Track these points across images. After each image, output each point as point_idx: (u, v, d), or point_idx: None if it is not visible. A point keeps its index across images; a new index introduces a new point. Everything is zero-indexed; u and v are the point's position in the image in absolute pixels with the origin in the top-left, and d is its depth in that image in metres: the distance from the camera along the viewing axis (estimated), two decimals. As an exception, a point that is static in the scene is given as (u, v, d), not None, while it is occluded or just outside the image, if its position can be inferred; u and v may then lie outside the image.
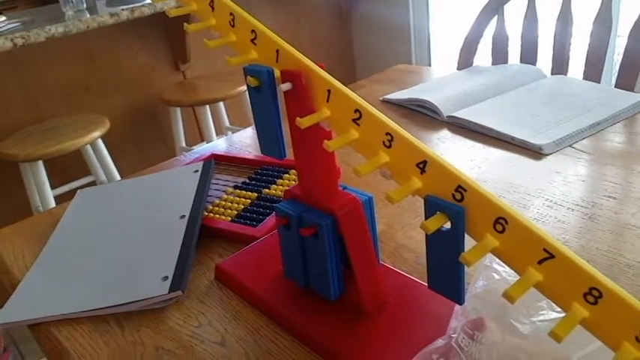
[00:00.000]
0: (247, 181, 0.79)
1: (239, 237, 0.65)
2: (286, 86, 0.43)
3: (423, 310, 0.49)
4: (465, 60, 1.32)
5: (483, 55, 1.34)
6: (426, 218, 0.36)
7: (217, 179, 0.81)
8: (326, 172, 0.47)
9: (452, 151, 0.84)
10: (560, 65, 1.22)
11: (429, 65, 2.88)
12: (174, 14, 0.50)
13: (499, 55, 1.31)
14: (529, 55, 1.27)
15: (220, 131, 2.30)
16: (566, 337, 0.29)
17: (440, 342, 0.42)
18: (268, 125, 0.47)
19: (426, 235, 0.38)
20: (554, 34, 1.23)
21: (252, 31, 0.47)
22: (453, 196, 0.35)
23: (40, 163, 1.78)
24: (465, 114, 0.93)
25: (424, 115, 0.99)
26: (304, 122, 0.41)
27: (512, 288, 0.31)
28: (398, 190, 0.37)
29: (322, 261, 0.48)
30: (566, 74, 1.23)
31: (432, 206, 0.36)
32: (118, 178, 2.03)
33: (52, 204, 1.84)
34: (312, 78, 0.42)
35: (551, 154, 0.78)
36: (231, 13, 0.48)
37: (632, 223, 0.59)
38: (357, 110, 0.40)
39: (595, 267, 0.53)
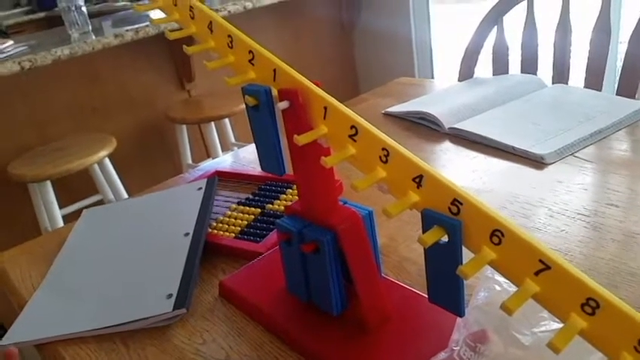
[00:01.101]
0: (251, 197, 0.80)
1: (243, 253, 0.65)
2: (284, 105, 0.44)
3: (425, 322, 0.49)
4: (466, 71, 1.33)
5: (484, 66, 1.34)
6: (424, 232, 0.37)
7: (221, 196, 0.82)
8: (325, 187, 0.48)
9: (454, 163, 0.84)
10: (560, 74, 1.22)
11: (432, 77, 2.89)
12: (173, 37, 0.51)
13: (500, 66, 1.31)
14: (530, 65, 1.28)
15: (226, 147, 2.32)
16: (565, 348, 0.29)
17: (442, 355, 0.42)
18: (267, 143, 0.47)
19: (425, 248, 0.38)
20: (554, 43, 1.24)
21: (250, 51, 0.48)
22: (450, 209, 0.36)
23: (49, 183, 1.80)
24: (467, 125, 0.94)
25: (426, 127, 0.99)
26: (301, 140, 0.42)
27: (509, 300, 0.31)
28: (395, 205, 0.37)
29: (324, 276, 0.48)
30: (567, 83, 1.24)
31: (429, 220, 0.37)
32: (126, 196, 2.04)
33: (61, 224, 1.85)
34: (309, 96, 0.43)
35: (552, 163, 0.78)
36: (229, 35, 0.49)
37: (636, 232, 0.59)
38: (353, 126, 0.40)
39: (598, 276, 0.53)
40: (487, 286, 0.44)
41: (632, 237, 0.58)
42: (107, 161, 1.93)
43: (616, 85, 1.14)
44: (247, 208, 0.76)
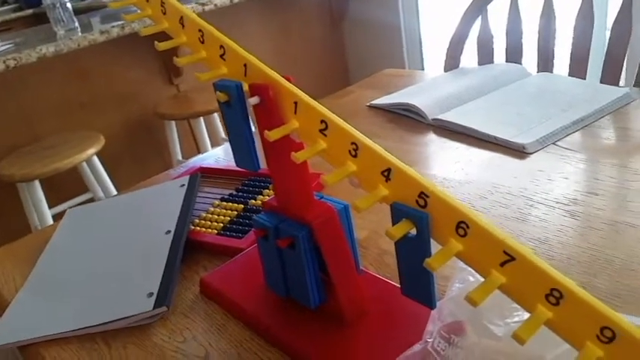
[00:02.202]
0: (234, 192, 0.79)
1: (225, 250, 0.65)
2: (254, 100, 0.44)
3: (402, 315, 0.49)
4: (452, 61, 1.32)
5: (470, 56, 1.34)
6: (393, 225, 0.37)
7: (204, 192, 0.81)
8: (300, 182, 0.47)
9: (437, 154, 0.84)
10: (545, 62, 1.22)
11: (422, 67, 2.89)
12: (145, 33, 0.51)
13: (485, 55, 1.31)
14: (514, 54, 1.27)
15: (216, 142, 2.31)
16: (530, 339, 0.29)
17: (417, 347, 0.42)
18: (240, 138, 0.47)
19: (395, 242, 0.38)
20: (539, 31, 1.23)
21: (221, 46, 0.47)
22: (417, 202, 0.36)
23: (37, 182, 1.79)
24: (450, 116, 0.93)
25: (410, 118, 0.99)
26: (272, 135, 0.41)
27: (474, 291, 0.31)
28: (364, 199, 0.37)
29: (300, 271, 0.48)
30: (552, 71, 1.24)
31: (397, 213, 0.37)
32: (114, 193, 2.04)
33: (51, 223, 1.85)
34: (280, 91, 0.43)
35: (534, 152, 0.78)
36: (200, 30, 0.49)
37: (616, 220, 0.59)
38: (323, 121, 0.40)
39: (576, 265, 0.53)
40: (462, 277, 0.44)
41: (612, 225, 0.59)
42: (95, 159, 1.92)
43: (600, 73, 1.14)
44: (230, 204, 0.76)
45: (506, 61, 1.28)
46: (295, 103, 0.42)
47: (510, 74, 1.09)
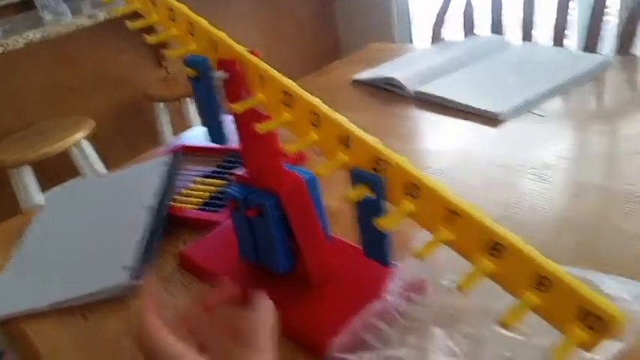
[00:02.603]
0: (215, 169, 0.81)
1: (204, 223, 0.67)
2: (221, 74, 0.45)
3: (368, 277, 0.51)
4: (438, 35, 1.33)
5: (455, 29, 1.34)
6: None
7: (187, 169, 0.83)
8: (269, 153, 0.49)
9: (418, 126, 0.86)
10: (528, 32, 1.23)
11: (411, 41, 2.88)
12: (117, 13, 0.52)
13: (469, 28, 1.31)
14: (498, 26, 1.28)
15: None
16: (470, 289, 0.31)
17: (376, 304, 0.44)
18: (210, 113, 0.49)
19: (356, 207, 0.40)
20: (523, 2, 1.24)
21: (190, 23, 0.48)
22: (375, 168, 0.37)
23: (29, 168, 1.80)
24: (430, 88, 0.95)
25: (393, 92, 1.00)
26: (237, 107, 0.43)
27: (422, 248, 0.33)
28: (325, 165, 0.39)
29: (270, 239, 0.50)
30: (533, 41, 1.24)
31: (355, 178, 0.38)
32: (108, 176, 2.05)
33: (44, 207, 1.86)
34: (246, 65, 0.44)
35: (510, 120, 0.79)
36: (170, 8, 0.50)
37: (582, 181, 0.61)
38: (286, 93, 0.42)
39: (542, 225, 0.55)
40: (422, 237, 0.46)
41: (579, 187, 0.60)
42: (86, 143, 1.93)
43: (582, 42, 1.15)
44: (211, 180, 0.77)
45: (491, 33, 1.29)
46: (261, 76, 0.43)
47: (492, 45, 1.10)
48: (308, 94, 0.42)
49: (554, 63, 0.96)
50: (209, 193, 0.73)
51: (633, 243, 0.51)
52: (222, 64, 0.45)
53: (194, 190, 0.75)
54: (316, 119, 0.40)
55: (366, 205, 0.39)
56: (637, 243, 0.51)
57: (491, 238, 0.32)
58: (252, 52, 0.45)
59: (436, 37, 1.33)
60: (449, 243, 0.34)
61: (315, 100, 0.41)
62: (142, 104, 2.38)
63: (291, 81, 0.43)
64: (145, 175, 0.77)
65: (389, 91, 1.01)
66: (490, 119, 0.81)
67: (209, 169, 0.81)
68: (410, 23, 2.82)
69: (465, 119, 0.83)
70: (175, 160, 0.79)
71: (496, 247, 0.32)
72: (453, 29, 1.33)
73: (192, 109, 2.17)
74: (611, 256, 0.50)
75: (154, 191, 0.71)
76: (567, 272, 0.43)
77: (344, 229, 0.61)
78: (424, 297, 0.44)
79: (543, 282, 0.30)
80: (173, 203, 0.72)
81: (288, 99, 0.42)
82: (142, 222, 0.65)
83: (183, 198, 0.74)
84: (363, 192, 0.37)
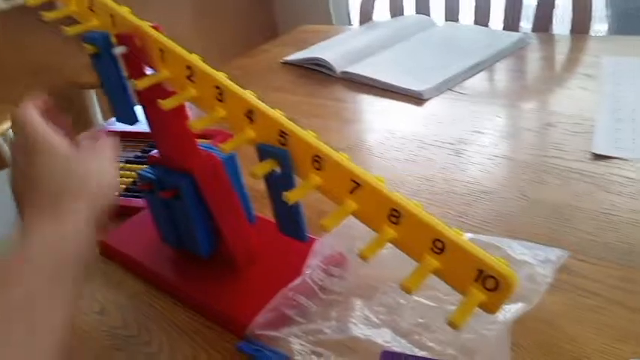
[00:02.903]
0: (139, 154, 0.78)
1: (126, 210, 0.65)
2: (121, 49, 0.43)
3: (293, 256, 0.51)
4: (367, 15, 1.33)
5: (384, 10, 1.35)
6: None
7: (109, 156, 0.80)
8: (180, 133, 0.48)
9: (345, 106, 0.86)
10: (451, 12, 1.25)
11: (349, 22, 2.89)
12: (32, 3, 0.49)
13: (396, 8, 1.33)
14: (424, 6, 1.30)
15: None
16: (372, 257, 0.32)
17: (297, 281, 0.44)
18: (116, 92, 0.47)
19: (266, 183, 0.40)
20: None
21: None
22: (279, 141, 0.37)
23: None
24: (357, 68, 0.95)
25: (321, 73, 1.00)
26: (140, 84, 0.41)
27: (328, 219, 0.33)
28: (232, 141, 0.38)
29: (188, 221, 0.49)
30: (457, 20, 1.27)
31: (262, 153, 0.38)
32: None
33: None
34: (146, 39, 0.42)
35: (431, 98, 0.81)
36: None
37: (494, 154, 0.63)
38: (188, 67, 0.40)
39: (454, 196, 0.57)
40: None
41: (490, 159, 0.62)
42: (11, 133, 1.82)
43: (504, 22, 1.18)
44: (134, 165, 0.75)
45: (416, 13, 1.30)
46: (161, 50, 0.42)
47: (417, 25, 1.12)
48: (211, 68, 0.41)
49: (475, 41, 0.99)
50: (132, 179, 0.71)
51: (538, 209, 0.53)
52: (122, 39, 0.43)
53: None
54: (221, 94, 0.39)
55: (276, 181, 0.38)
56: (541, 209, 0.53)
57: (390, 206, 0.32)
58: (154, 27, 0.44)
59: (365, 18, 1.33)
60: (354, 213, 0.34)
61: (219, 75, 0.40)
62: (71, 91, 2.27)
63: (195, 55, 0.41)
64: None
65: (318, 72, 1.01)
66: (414, 98, 0.82)
67: (132, 154, 0.79)
68: (348, 5, 2.82)
69: (391, 98, 0.84)
70: (94, 146, 0.76)
71: (394, 214, 0.32)
72: (381, 10, 1.34)
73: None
74: (519, 222, 0.52)
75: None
76: (476, 239, 0.44)
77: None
78: (344, 270, 0.45)
79: (438, 245, 0.31)
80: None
81: (192, 74, 0.41)
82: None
83: (102, 185, 0.71)
84: (269, 167, 0.37)
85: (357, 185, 0.33)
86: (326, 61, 0.99)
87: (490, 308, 0.30)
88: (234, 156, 0.51)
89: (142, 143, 0.82)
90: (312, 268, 0.44)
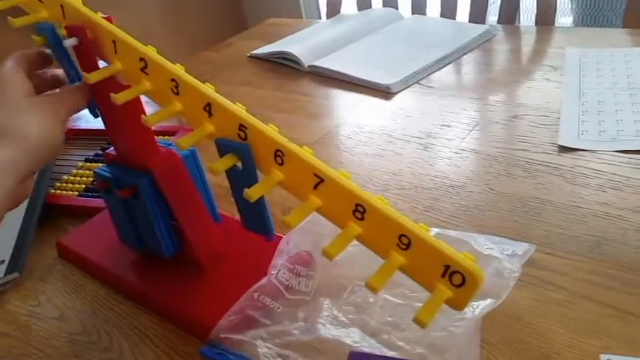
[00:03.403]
0: (99, 152, 0.75)
1: (85, 211, 0.62)
2: (71, 41, 0.41)
3: (259, 255, 0.49)
4: (334, 8, 1.32)
5: (351, 3, 1.34)
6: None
7: (68, 154, 0.77)
8: (136, 129, 0.45)
9: (312, 100, 0.85)
10: (418, 5, 1.25)
11: (319, 15, 2.87)
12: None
13: (363, 2, 1.32)
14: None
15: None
16: (337, 255, 0.31)
17: (263, 281, 0.43)
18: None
19: (228, 178, 0.38)
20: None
21: (38, -13, 0.43)
22: (239, 135, 0.35)
23: None
24: (324, 62, 0.94)
25: (288, 67, 0.99)
26: (92, 77, 0.39)
27: (291, 215, 0.32)
28: (189, 136, 0.36)
29: (149, 221, 0.47)
30: (424, 13, 1.27)
31: (223, 148, 0.36)
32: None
33: None
34: (98, 31, 0.40)
35: (398, 92, 0.80)
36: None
37: (461, 147, 0.63)
38: (142, 59, 0.38)
39: (422, 191, 0.56)
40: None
41: (457, 152, 0.62)
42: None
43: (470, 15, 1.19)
44: (94, 164, 0.72)
45: (383, 6, 1.30)
46: (114, 42, 0.40)
47: (385, 18, 1.11)
48: (166, 60, 0.39)
49: (442, 34, 0.98)
50: (92, 178, 0.68)
51: (505, 202, 0.53)
52: (72, 31, 0.41)
53: (76, 177, 0.70)
54: (177, 87, 0.38)
55: (238, 176, 0.37)
56: (508, 202, 0.53)
57: (354, 201, 0.31)
58: (106, 18, 0.41)
59: (332, 11, 1.32)
60: (318, 209, 0.33)
61: (174, 67, 0.38)
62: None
63: (149, 47, 0.39)
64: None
65: (285, 66, 0.99)
66: (382, 92, 0.81)
67: (92, 152, 0.76)
68: (318, -1, 2.80)
69: (359, 92, 0.83)
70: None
71: (359, 210, 0.31)
72: (349, 3, 1.33)
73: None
74: (487, 216, 0.51)
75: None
76: (443, 234, 0.43)
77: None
78: (311, 269, 0.43)
79: (404, 241, 0.30)
80: (53, 191, 0.67)
81: (146, 66, 0.39)
82: (17, 214, 0.60)
83: (64, 184, 0.68)
84: (230, 162, 0.35)
85: (320, 180, 0.32)
86: (293, 55, 0.97)
87: (457, 304, 0.29)
88: (195, 152, 0.49)
89: (102, 141, 0.80)
90: (278, 268, 0.43)
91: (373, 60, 0.92)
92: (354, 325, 0.41)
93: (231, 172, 0.37)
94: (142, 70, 0.39)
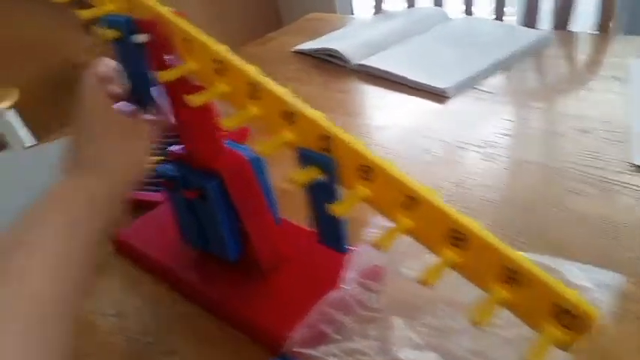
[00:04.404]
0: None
1: (142, 204, 0.61)
2: (143, 37, 0.39)
3: (322, 263, 0.47)
4: (380, 5, 1.29)
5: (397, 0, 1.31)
6: (300, 171, 0.34)
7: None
8: (206, 129, 0.44)
9: (360, 99, 0.83)
10: (469, 5, 1.21)
11: (351, 12, 2.83)
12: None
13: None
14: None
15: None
16: (434, 282, 0.28)
17: (334, 294, 0.41)
18: (136, 81, 0.43)
19: (306, 189, 0.36)
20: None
21: (106, -22, 0.42)
22: (322, 146, 0.33)
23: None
24: (373, 61, 0.91)
25: (334, 64, 0.96)
26: (164, 76, 0.37)
27: (381, 238, 0.30)
28: (268, 143, 0.35)
29: (215, 223, 0.45)
30: (472, 14, 1.23)
31: (304, 159, 0.34)
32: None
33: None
34: (170, 28, 0.38)
35: (454, 96, 0.77)
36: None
37: (526, 159, 0.60)
38: (218, 60, 0.36)
39: (486, 205, 0.53)
40: (378, 222, 0.43)
41: (521, 164, 0.59)
42: (10, 113, 1.78)
43: (521, 17, 1.15)
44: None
45: (431, 5, 1.26)
46: (188, 40, 0.38)
47: (433, 18, 1.08)
48: (244, 62, 0.37)
49: (495, 38, 0.95)
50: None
51: (581, 224, 0.50)
52: (144, 26, 0.39)
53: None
54: (254, 91, 0.36)
55: (318, 188, 0.35)
56: (584, 224, 0.50)
57: (452, 227, 0.29)
58: (178, 14, 0.40)
59: (378, 8, 1.29)
60: (409, 232, 0.30)
61: (252, 70, 0.36)
62: (69, 72, 2.20)
63: (224, 47, 0.37)
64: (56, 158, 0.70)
65: (330, 63, 0.97)
66: (435, 95, 0.78)
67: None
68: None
69: (409, 94, 0.81)
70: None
71: (458, 237, 0.29)
72: (394, 1, 1.30)
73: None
74: (563, 239, 0.48)
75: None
76: (531, 261, 0.40)
77: (293, 212, 0.56)
78: (382, 285, 0.41)
79: (512, 276, 0.27)
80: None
81: (221, 67, 0.37)
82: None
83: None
84: (312, 175, 0.33)
85: (413, 201, 0.30)
86: (341, 53, 0.95)
87: (566, 346, 0.27)
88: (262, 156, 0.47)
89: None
90: (350, 282, 0.41)
91: (424, 62, 0.89)
92: (432, 350, 0.38)
93: (310, 184, 0.35)
94: (217, 71, 0.37)
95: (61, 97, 2.20)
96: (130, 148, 0.40)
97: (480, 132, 0.67)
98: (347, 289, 0.41)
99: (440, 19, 1.07)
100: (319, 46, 1.00)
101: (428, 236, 0.30)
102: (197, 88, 0.41)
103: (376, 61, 0.91)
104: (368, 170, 0.31)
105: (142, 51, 0.41)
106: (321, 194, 0.35)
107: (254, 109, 0.36)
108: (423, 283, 0.28)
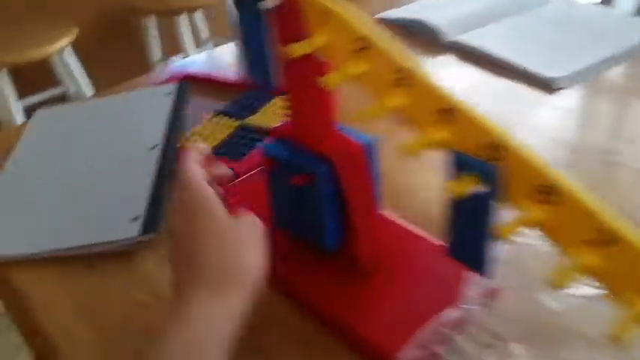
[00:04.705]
0: (228, 106, 0.71)
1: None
2: (272, 2, 0.34)
3: (428, 268, 0.43)
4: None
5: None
6: (451, 177, 0.30)
7: (192, 103, 0.72)
8: (322, 110, 0.39)
9: (453, 79, 0.76)
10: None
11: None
12: None
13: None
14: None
15: (198, 43, 2.15)
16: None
17: (452, 312, 0.37)
18: (256, 48, 0.38)
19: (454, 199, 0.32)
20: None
21: None
22: (484, 153, 0.29)
23: (4, 72, 1.64)
24: (471, 39, 0.84)
25: (423, 37, 0.89)
26: (296, 50, 0.33)
27: (557, 272, 0.25)
28: (416, 141, 0.30)
29: (318, 211, 0.41)
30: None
31: (459, 164, 0.30)
32: (89, 90, 1.91)
33: (20, 116, 1.73)
34: (305, -4, 0.34)
35: (563, 88, 0.70)
36: None
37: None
38: (361, 39, 0.32)
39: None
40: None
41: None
42: (68, 51, 1.76)
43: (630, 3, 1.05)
44: (224, 119, 0.67)
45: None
46: (325, 12, 0.33)
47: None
48: (392, 42, 0.32)
49: (606, 27, 0.86)
50: (224, 135, 0.64)
51: None
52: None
53: (205, 130, 0.65)
54: (403, 78, 0.31)
55: (469, 200, 0.30)
56: None
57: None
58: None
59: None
60: (594, 273, 0.26)
61: (402, 53, 0.31)
62: (130, 16, 2.18)
63: (370, 20, 0.33)
64: (147, 107, 0.67)
65: (420, 35, 0.89)
66: (542, 84, 0.71)
67: (220, 105, 0.71)
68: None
69: (510, 79, 0.74)
70: (182, 92, 0.68)
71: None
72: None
73: (186, 30, 1.99)
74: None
75: (160, 128, 0.61)
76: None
77: (389, 204, 0.52)
78: (502, 307, 0.37)
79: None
80: (182, 144, 0.63)
81: (362, 47, 0.32)
82: (148, 164, 0.56)
83: (192, 137, 0.64)
84: (470, 184, 0.29)
85: (608, 241, 0.25)
86: (435, 26, 0.87)
87: None
88: (376, 141, 0.42)
89: (229, 93, 0.74)
90: (472, 302, 0.37)
91: (528, 45, 0.82)
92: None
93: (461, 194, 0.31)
94: (357, 51, 0.32)
95: (115, 38, 2.19)
96: (252, 253, 0.37)
97: (596, 134, 0.60)
98: (466, 307, 0.37)
99: (538, 2, 0.98)
100: (409, 16, 0.93)
101: (617, 279, 0.25)
102: (322, 66, 0.36)
103: (475, 39, 0.84)
104: (548, 192, 0.26)
105: (262, 18, 0.37)
106: (471, 206, 0.30)
107: (398, 98, 0.31)
108: (615, 340, 0.23)
